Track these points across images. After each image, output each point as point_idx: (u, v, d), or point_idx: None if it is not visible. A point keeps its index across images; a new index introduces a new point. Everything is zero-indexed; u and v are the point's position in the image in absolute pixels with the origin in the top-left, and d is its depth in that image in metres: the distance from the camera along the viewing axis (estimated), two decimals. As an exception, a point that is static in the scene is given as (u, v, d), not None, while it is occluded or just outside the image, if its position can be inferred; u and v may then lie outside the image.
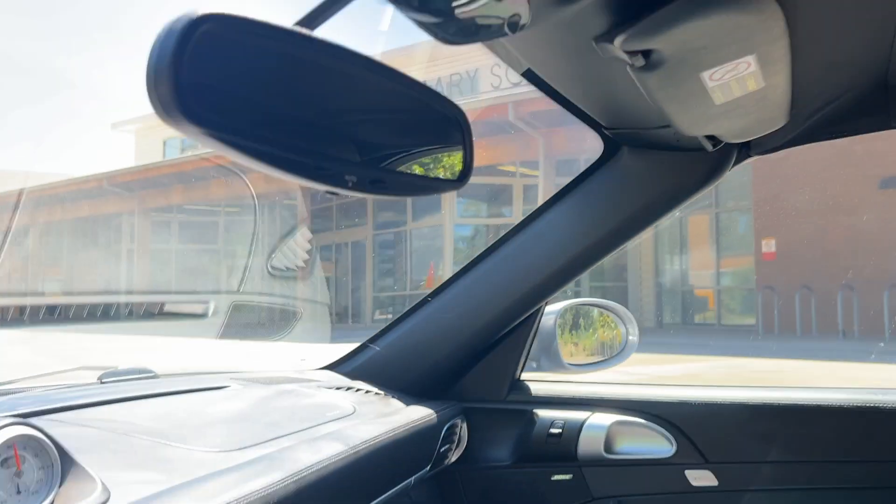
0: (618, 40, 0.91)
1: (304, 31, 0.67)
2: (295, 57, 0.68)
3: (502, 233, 1.71)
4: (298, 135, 0.69)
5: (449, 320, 1.70)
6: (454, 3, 0.72)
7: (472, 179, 0.86)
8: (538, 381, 1.84)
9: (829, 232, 13.93)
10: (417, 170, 0.84)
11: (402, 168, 0.81)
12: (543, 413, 1.74)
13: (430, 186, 0.86)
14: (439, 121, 0.86)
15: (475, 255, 1.71)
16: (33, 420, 0.93)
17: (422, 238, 16.63)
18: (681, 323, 16.77)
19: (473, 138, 0.88)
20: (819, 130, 1.40)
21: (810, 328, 14.01)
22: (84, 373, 1.58)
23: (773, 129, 1.29)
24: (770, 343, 12.46)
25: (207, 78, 0.60)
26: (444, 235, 15.90)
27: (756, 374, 8.45)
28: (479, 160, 0.88)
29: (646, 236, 1.43)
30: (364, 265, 16.71)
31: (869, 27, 1.11)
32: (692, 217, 16.31)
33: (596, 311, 2.19)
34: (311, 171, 0.69)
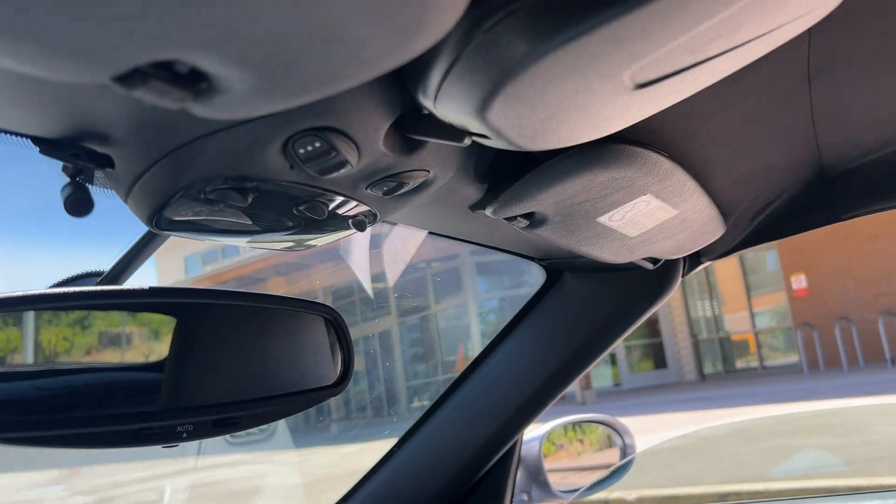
0: (489, 209, 0.85)
1: (96, 287, 0.62)
2: (91, 317, 0.63)
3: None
4: (106, 401, 0.62)
5: (420, 469, 1.60)
6: (332, 208, 0.67)
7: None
8: (528, 518, 1.72)
9: (858, 260, 13.61)
10: (283, 388, 0.77)
11: (263, 393, 0.74)
12: (536, 555, 1.62)
13: (304, 401, 0.79)
14: (307, 328, 0.79)
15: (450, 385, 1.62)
16: None
17: (447, 319, 16.51)
18: (723, 371, 16.29)
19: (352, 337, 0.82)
20: (767, 231, 1.31)
21: (856, 360, 13.52)
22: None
23: (712, 241, 1.21)
24: (817, 382, 11.99)
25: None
26: (469, 314, 15.77)
27: (806, 422, 8.08)
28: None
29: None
30: (394, 354, 16.55)
31: (782, 128, 1.04)
32: (718, 262, 16.06)
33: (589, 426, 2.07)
34: (128, 438, 0.62)
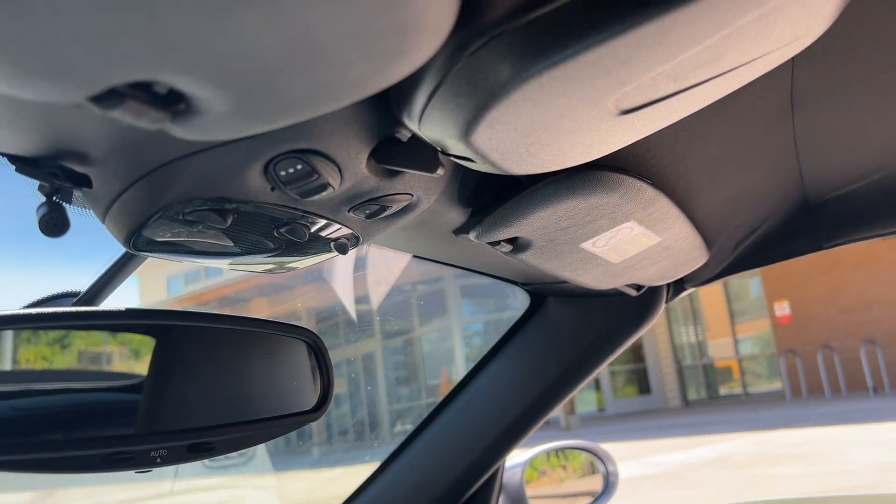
0: (472, 234, 0.85)
1: (71, 308, 0.61)
2: (71, 336, 0.61)
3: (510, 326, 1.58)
4: (81, 424, 0.61)
5: (400, 495, 1.58)
6: (315, 230, 0.67)
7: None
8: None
9: (842, 288, 13.72)
10: (260, 412, 0.75)
11: (239, 418, 0.73)
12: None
13: (281, 427, 0.78)
14: (285, 351, 0.78)
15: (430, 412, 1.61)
16: None
17: (431, 342, 16.46)
18: (706, 398, 16.31)
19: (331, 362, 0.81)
20: (750, 258, 1.32)
21: (839, 388, 13.59)
22: None
23: (695, 269, 1.21)
24: (800, 409, 12.03)
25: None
26: (453, 337, 15.73)
27: (788, 449, 8.10)
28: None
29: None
30: (377, 377, 16.44)
31: (766, 156, 1.04)
32: (702, 288, 16.13)
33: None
34: (100, 462, 0.61)
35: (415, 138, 0.58)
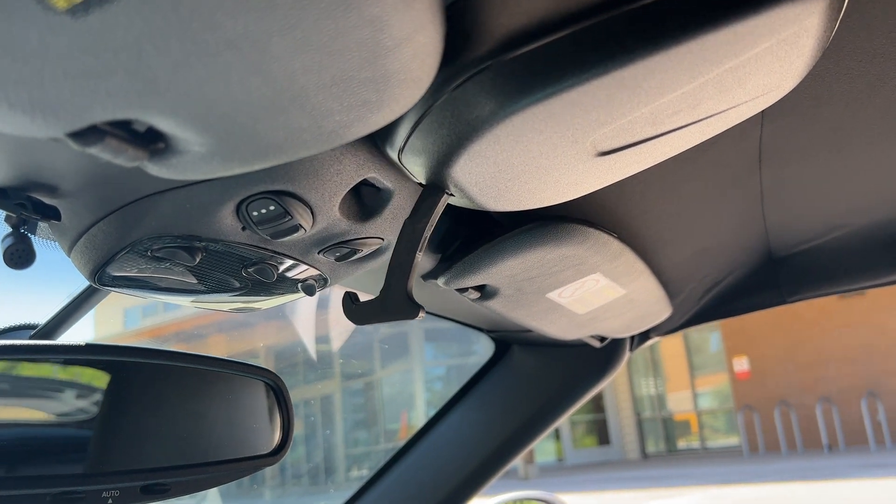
0: (441, 280, 0.85)
1: (28, 342, 0.59)
2: (20, 365, 0.60)
3: (473, 371, 1.56)
4: (27, 461, 0.59)
5: None
6: (283, 271, 0.67)
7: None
8: None
9: (799, 345, 13.95)
10: (218, 454, 0.74)
11: (196, 459, 0.71)
12: None
13: (238, 470, 0.76)
14: (245, 392, 0.77)
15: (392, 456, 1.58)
16: None
17: (392, 385, 16.28)
18: (665, 451, 16.33)
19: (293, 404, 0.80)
20: (714, 310, 1.34)
21: (795, 445, 13.72)
22: None
23: (659, 321, 1.23)
24: (757, 465, 12.10)
25: None
26: (414, 380, 15.59)
27: (744, 505, 8.12)
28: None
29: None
30: (335, 420, 16.16)
31: (732, 210, 1.06)
32: (662, 341, 16.30)
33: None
34: (48, 503, 0.59)
35: (390, 292, 0.58)
